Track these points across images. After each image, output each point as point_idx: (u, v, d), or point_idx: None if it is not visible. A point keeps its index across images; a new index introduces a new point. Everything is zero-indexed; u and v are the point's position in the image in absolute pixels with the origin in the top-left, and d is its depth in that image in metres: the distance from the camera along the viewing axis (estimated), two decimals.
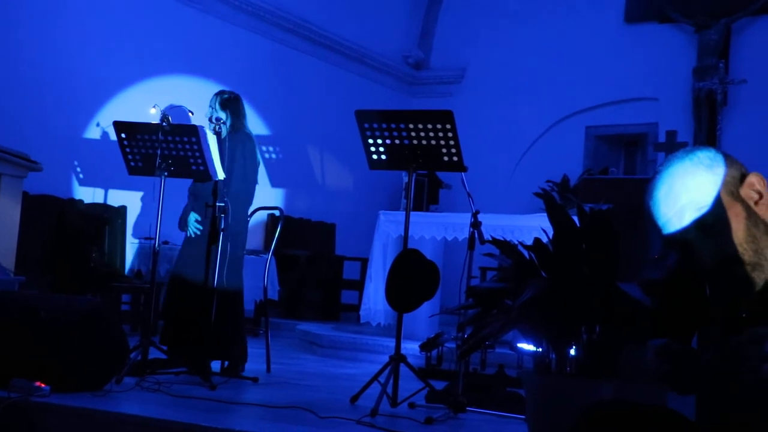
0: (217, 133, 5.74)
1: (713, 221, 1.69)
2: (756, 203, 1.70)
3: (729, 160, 1.75)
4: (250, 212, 5.94)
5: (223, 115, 5.79)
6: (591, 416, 1.91)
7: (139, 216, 8.81)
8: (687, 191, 1.71)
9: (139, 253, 8.59)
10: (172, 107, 5.62)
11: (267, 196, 9.75)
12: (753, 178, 1.72)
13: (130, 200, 8.64)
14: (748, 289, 1.69)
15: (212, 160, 5.44)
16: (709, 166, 1.72)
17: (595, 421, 1.89)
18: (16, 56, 7.88)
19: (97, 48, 8.60)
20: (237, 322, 5.79)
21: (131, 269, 8.57)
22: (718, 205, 1.69)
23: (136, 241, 8.66)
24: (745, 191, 1.71)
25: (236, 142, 5.76)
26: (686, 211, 1.71)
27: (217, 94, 5.91)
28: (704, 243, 1.70)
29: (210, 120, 5.74)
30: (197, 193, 5.80)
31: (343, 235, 11.48)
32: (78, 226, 7.98)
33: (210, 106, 5.84)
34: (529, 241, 3.46)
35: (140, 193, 8.73)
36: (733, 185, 1.71)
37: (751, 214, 1.69)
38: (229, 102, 5.83)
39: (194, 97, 8.75)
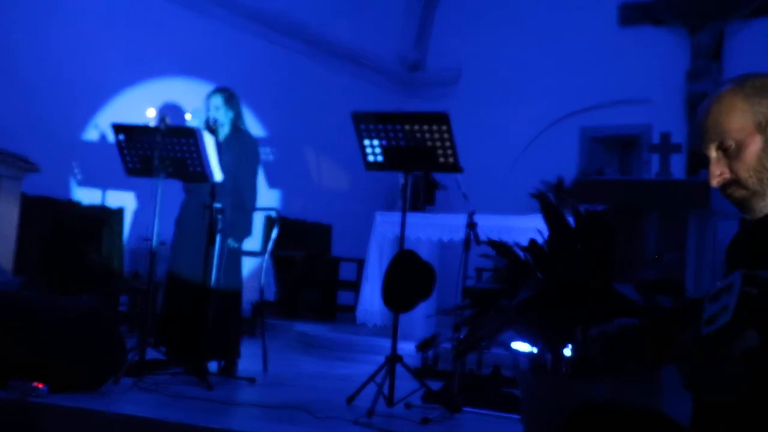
0: (212, 131, 5.66)
1: (730, 145, 1.82)
2: None
3: None
4: None
5: (230, 114, 5.75)
6: (579, 418, 1.93)
7: (137, 217, 8.81)
8: (717, 114, 1.84)
9: (137, 254, 8.60)
10: (169, 109, 5.62)
11: (263, 197, 9.76)
12: None
13: (127, 202, 8.65)
14: (744, 211, 1.85)
15: (210, 161, 5.46)
16: (748, 95, 1.83)
17: (584, 423, 1.92)
18: (14, 58, 7.89)
19: (95, 50, 8.60)
20: (235, 322, 5.80)
21: (129, 270, 8.58)
22: (739, 131, 1.81)
23: (134, 242, 8.66)
24: None
25: (245, 144, 5.76)
26: (710, 131, 1.84)
27: (218, 93, 5.78)
28: (720, 162, 1.84)
29: (208, 121, 5.68)
30: (193, 191, 5.79)
31: (340, 235, 11.49)
32: (76, 227, 7.99)
33: (212, 106, 5.72)
34: (525, 242, 3.48)
35: (138, 195, 8.74)
36: (763, 117, 1.81)
37: (766, 146, 1.80)
38: (232, 99, 5.80)
39: (191, 99, 8.77)
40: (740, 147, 1.80)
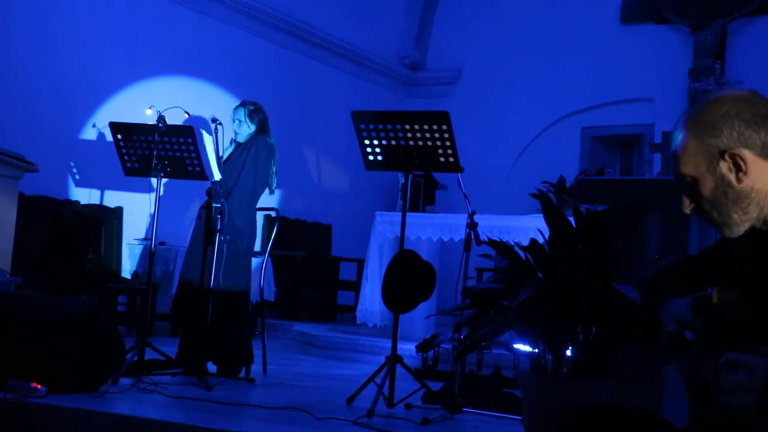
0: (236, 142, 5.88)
1: (689, 180, 1.87)
2: (736, 176, 1.82)
3: (729, 123, 1.82)
4: None
5: (253, 127, 5.87)
6: (572, 421, 1.93)
7: (136, 217, 8.79)
8: (675, 152, 1.89)
9: (136, 254, 8.58)
10: (168, 108, 5.62)
11: (263, 197, 9.73)
12: (734, 151, 1.81)
13: (126, 201, 8.63)
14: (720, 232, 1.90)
15: (208, 161, 5.45)
16: (699, 134, 1.84)
17: (578, 425, 1.91)
18: (12, 57, 7.87)
19: (93, 49, 8.58)
20: (235, 323, 5.77)
21: (128, 270, 8.56)
22: (693, 170, 1.86)
23: (133, 242, 8.64)
24: (721, 166, 1.83)
25: (251, 144, 5.81)
26: (673, 166, 1.91)
27: (242, 106, 5.95)
28: (691, 195, 1.90)
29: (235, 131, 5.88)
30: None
31: (340, 236, 11.47)
32: (74, 227, 7.97)
33: (236, 118, 5.89)
34: (526, 242, 3.46)
35: (136, 194, 8.71)
36: (713, 156, 1.83)
37: (720, 184, 1.84)
38: (256, 113, 5.90)
39: (190, 98, 8.75)
40: (697, 182, 1.86)
